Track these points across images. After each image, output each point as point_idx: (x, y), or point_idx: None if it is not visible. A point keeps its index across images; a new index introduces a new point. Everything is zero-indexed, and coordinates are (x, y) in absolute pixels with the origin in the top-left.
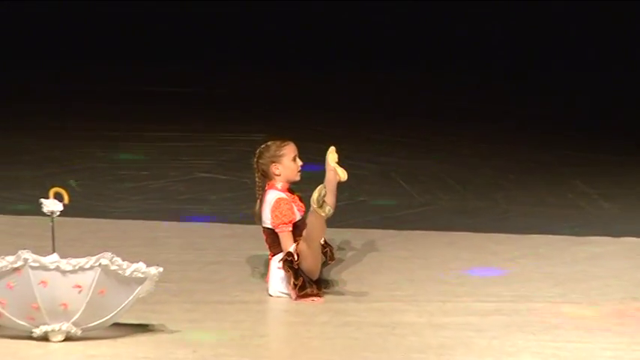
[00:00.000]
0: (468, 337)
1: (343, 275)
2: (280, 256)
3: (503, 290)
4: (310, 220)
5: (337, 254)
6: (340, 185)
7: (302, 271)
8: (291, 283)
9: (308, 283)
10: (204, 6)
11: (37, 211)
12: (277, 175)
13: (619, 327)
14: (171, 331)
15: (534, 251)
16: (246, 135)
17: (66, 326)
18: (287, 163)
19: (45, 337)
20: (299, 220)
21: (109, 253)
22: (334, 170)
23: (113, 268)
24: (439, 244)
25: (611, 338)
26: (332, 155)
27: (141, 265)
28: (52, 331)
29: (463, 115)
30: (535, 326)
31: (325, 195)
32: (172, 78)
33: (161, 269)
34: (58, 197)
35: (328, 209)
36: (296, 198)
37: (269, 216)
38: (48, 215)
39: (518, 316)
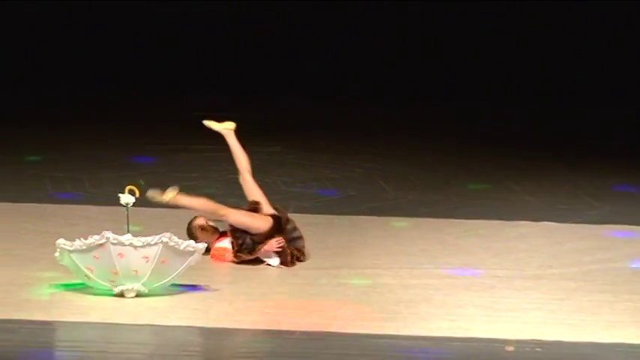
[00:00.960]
0: (429, 294)
1: (338, 250)
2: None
3: (454, 260)
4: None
5: (335, 236)
6: (329, 184)
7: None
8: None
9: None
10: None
11: (116, 202)
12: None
13: (539, 286)
14: (213, 290)
15: (477, 232)
16: (265, 148)
17: (137, 286)
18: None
19: (121, 294)
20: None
21: (169, 233)
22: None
23: (171, 244)
24: (408, 227)
25: (533, 295)
26: (168, 196)
27: (191, 242)
28: (127, 290)
29: (424, 133)
30: (477, 286)
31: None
32: (214, 105)
33: (206, 244)
34: (132, 193)
35: (167, 194)
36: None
37: None
38: (124, 206)
39: (465, 279)
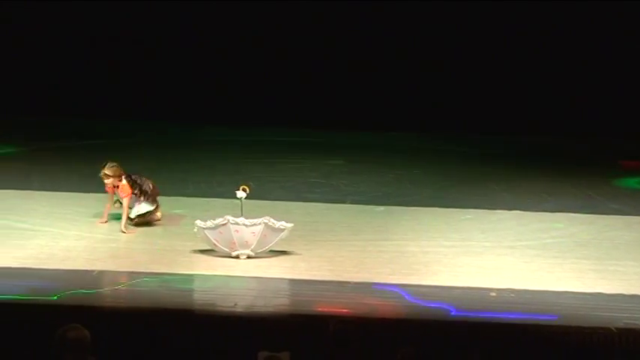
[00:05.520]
0: (439, 258)
1: (379, 228)
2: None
3: (455, 235)
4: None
5: (376, 219)
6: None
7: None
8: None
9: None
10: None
11: (233, 196)
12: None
13: (512, 253)
14: (297, 254)
15: (470, 218)
16: (327, 160)
17: (247, 251)
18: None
19: (237, 257)
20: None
21: (268, 217)
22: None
23: (270, 224)
24: (424, 213)
25: (508, 259)
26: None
27: (283, 222)
28: (241, 254)
29: (433, 153)
30: (471, 253)
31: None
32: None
33: (292, 224)
34: (244, 189)
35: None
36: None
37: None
38: (238, 198)
39: (463, 247)
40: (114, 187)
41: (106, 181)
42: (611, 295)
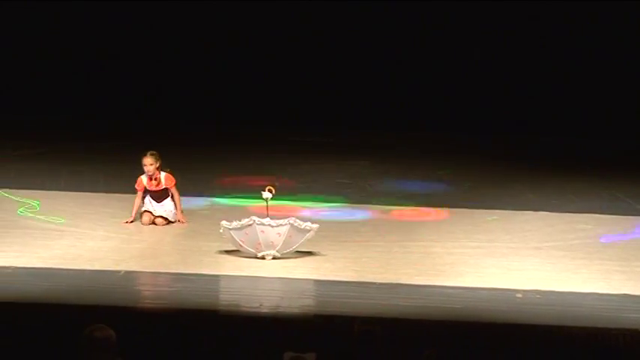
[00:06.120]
0: (465, 259)
1: (404, 228)
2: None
3: (481, 236)
4: None
5: (402, 220)
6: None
7: None
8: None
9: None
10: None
11: (258, 197)
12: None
13: (538, 254)
14: (323, 255)
15: (496, 219)
16: (353, 161)
17: (273, 252)
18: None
19: (262, 258)
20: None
21: (294, 217)
22: None
23: (295, 224)
24: (451, 214)
25: (534, 260)
26: None
27: (309, 223)
28: (266, 254)
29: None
30: (496, 254)
31: None
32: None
33: (318, 225)
34: (270, 191)
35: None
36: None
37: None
38: (264, 199)
39: (489, 248)
40: (151, 180)
41: (151, 167)
42: (638, 297)
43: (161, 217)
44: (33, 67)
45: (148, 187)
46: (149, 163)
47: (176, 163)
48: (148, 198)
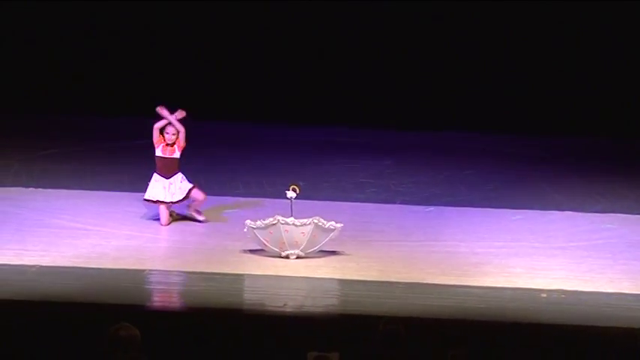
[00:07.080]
0: (490, 259)
1: (427, 229)
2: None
3: (506, 236)
4: None
5: (426, 220)
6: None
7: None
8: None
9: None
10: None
11: (283, 196)
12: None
13: (563, 254)
14: (346, 254)
15: (520, 219)
16: (377, 162)
17: (297, 251)
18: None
19: (286, 257)
20: None
21: (318, 217)
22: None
23: (319, 224)
24: (475, 214)
25: (559, 259)
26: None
27: (333, 222)
28: (290, 253)
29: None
30: (522, 253)
31: None
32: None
33: (342, 224)
34: (294, 190)
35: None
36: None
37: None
38: (288, 198)
39: (513, 248)
40: (167, 146)
41: (172, 136)
42: None
43: (173, 209)
44: (57, 67)
45: (162, 153)
46: (172, 132)
47: (199, 163)
48: (156, 176)
